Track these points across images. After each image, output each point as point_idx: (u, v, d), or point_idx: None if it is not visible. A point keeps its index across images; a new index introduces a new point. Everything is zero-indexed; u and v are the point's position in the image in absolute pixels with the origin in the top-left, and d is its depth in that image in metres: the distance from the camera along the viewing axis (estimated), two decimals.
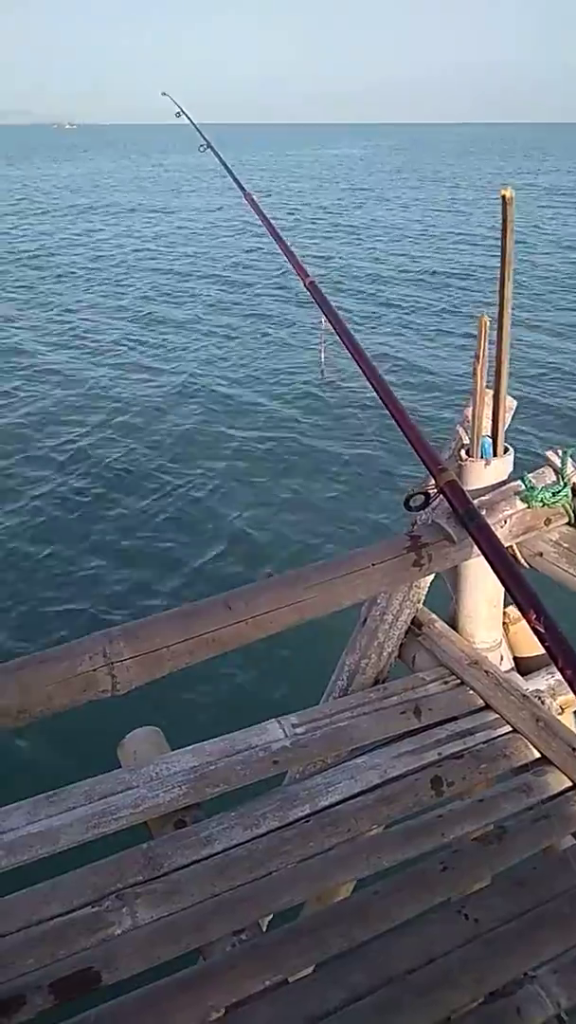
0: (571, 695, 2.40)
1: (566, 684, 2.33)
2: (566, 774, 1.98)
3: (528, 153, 76.23)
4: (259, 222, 3.44)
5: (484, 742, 2.09)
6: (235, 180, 3.94)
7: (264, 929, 1.73)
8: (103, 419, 9.86)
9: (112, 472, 8.41)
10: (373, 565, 1.90)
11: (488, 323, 1.92)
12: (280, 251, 3.18)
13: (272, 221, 3.41)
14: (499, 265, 1.81)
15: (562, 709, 2.39)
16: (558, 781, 1.98)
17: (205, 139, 4.39)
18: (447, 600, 2.53)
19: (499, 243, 1.80)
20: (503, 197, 1.72)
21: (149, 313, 15.36)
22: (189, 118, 4.86)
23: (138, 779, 1.93)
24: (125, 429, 9.54)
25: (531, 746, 2.07)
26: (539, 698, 2.29)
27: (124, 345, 13.23)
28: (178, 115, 4.92)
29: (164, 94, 5.13)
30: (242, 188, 3.83)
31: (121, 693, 1.62)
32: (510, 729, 2.13)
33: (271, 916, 1.85)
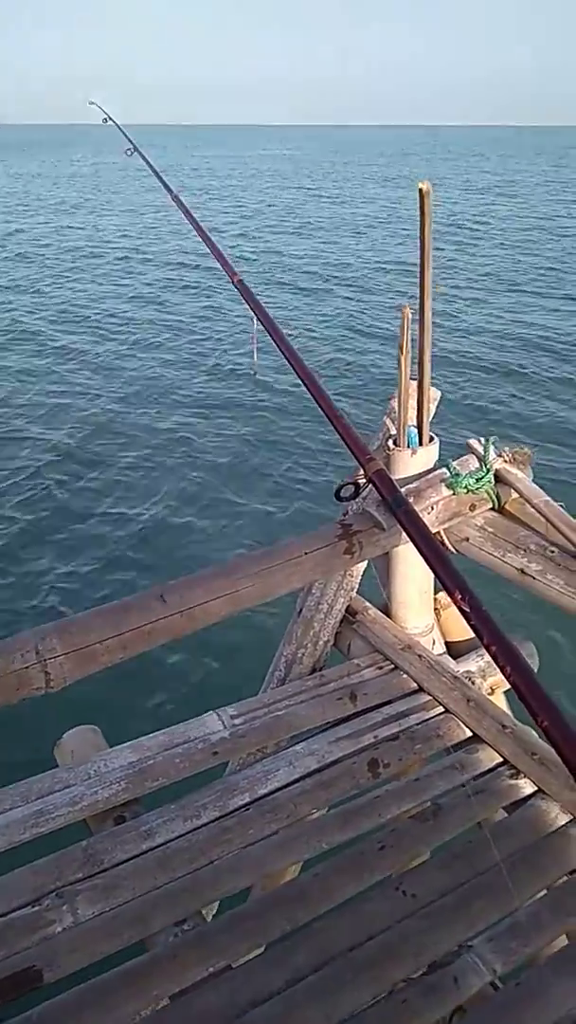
0: (500, 677, 2.48)
1: (494, 665, 2.42)
2: (496, 750, 2.05)
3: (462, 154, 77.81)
4: (187, 222, 3.45)
5: (418, 723, 2.15)
6: (162, 182, 3.93)
7: (209, 918, 1.74)
8: (22, 415, 9.72)
9: (38, 467, 8.29)
10: (306, 554, 1.93)
11: (410, 314, 1.97)
12: (208, 250, 3.19)
13: (200, 222, 3.42)
14: (419, 257, 1.86)
15: (492, 690, 2.47)
16: (489, 757, 2.05)
17: (132, 143, 4.37)
18: (379, 588, 2.58)
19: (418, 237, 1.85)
20: (420, 190, 1.77)
21: (71, 311, 15.12)
22: (117, 125, 4.85)
23: (76, 777, 1.92)
24: (47, 425, 9.41)
25: (463, 725, 2.14)
26: (470, 679, 2.36)
27: (45, 340, 13.02)
28: (105, 122, 4.92)
29: (92, 103, 5.12)
30: (169, 189, 3.83)
31: (56, 690, 1.61)
32: (443, 710, 2.19)
33: (217, 905, 1.86)
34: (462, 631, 2.68)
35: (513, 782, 1.98)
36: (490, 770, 2.02)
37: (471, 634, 2.75)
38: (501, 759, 2.04)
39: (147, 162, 4.14)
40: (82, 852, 1.75)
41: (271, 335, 2.44)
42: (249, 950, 1.59)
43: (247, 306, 2.67)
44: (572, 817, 1.87)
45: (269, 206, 32.54)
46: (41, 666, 1.56)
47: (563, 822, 1.87)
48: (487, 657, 2.50)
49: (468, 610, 1.45)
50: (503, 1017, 1.44)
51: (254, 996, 1.47)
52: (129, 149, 4.39)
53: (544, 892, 1.72)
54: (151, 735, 2.06)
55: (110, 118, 4.95)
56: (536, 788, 1.96)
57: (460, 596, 1.46)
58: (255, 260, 20.00)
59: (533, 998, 1.48)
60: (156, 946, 1.59)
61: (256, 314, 2.57)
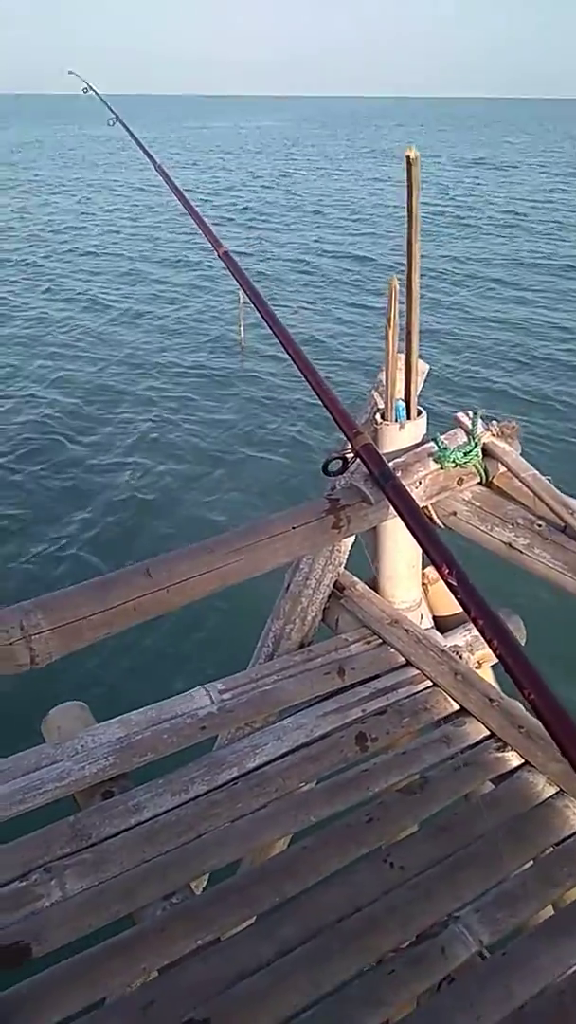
0: (487, 651, 2.49)
1: (483, 640, 2.43)
2: (484, 724, 2.06)
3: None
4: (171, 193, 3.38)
5: (406, 697, 2.15)
6: (145, 152, 3.85)
7: (198, 892, 1.74)
8: (14, 387, 9.63)
9: (26, 437, 8.23)
10: (293, 528, 1.92)
11: (398, 286, 1.94)
12: (193, 222, 3.13)
13: (184, 192, 3.36)
14: (406, 226, 1.83)
15: (479, 663, 2.48)
16: (476, 731, 2.05)
17: (114, 113, 4.30)
18: (367, 564, 2.57)
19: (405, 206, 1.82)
20: (407, 157, 1.73)
21: (58, 283, 14.94)
22: (97, 93, 4.77)
23: (63, 753, 1.91)
24: (38, 398, 9.33)
25: (450, 699, 2.14)
26: (457, 653, 2.36)
27: (32, 310, 12.88)
28: (86, 91, 4.84)
29: (71, 72, 5.02)
30: (152, 160, 3.75)
31: (41, 666, 1.60)
32: (430, 684, 2.19)
33: (206, 879, 1.87)
34: (449, 606, 2.68)
35: (500, 755, 1.99)
36: (477, 743, 2.03)
37: (458, 608, 2.75)
38: (488, 732, 2.05)
39: (129, 132, 4.07)
40: (69, 827, 1.75)
41: (257, 308, 2.40)
42: (237, 923, 1.60)
43: (233, 279, 2.63)
44: (558, 789, 1.89)
45: (256, 178, 32.15)
46: (26, 642, 1.54)
47: (549, 794, 1.88)
48: (474, 631, 2.50)
49: (455, 584, 1.44)
50: (490, 986, 1.46)
51: (242, 968, 1.47)
52: (111, 119, 4.32)
53: (531, 863, 1.73)
54: (139, 710, 2.05)
55: (90, 87, 4.87)
56: (523, 760, 1.97)
57: (447, 570, 1.45)
58: (240, 233, 19.79)
59: (519, 967, 1.50)
60: (144, 920, 1.59)
61: (242, 287, 2.53)
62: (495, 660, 2.52)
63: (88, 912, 1.57)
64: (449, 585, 1.46)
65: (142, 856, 1.69)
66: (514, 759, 1.98)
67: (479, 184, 30.16)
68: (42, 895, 1.59)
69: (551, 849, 1.76)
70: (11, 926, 1.53)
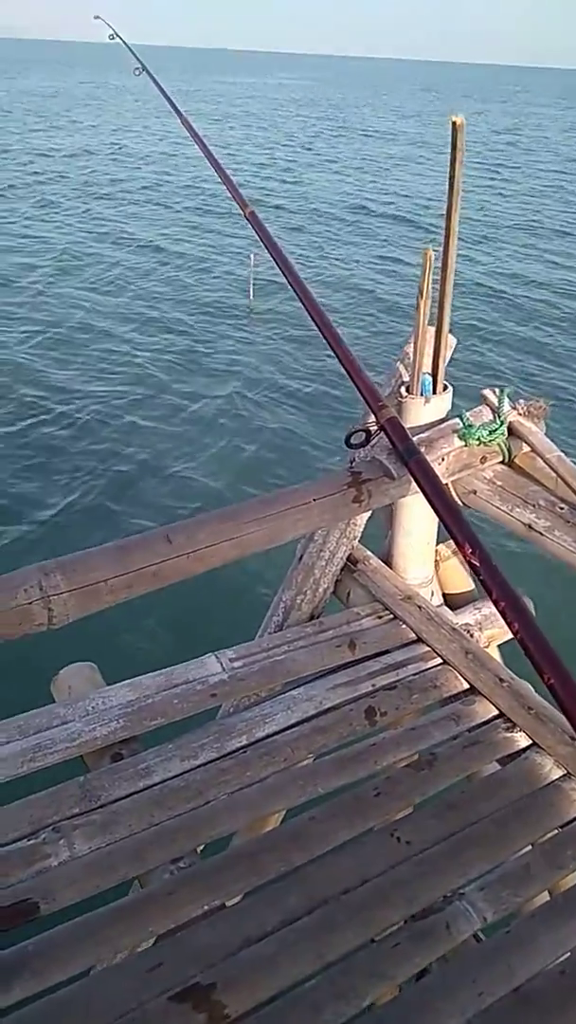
0: (498, 629, 2.48)
1: (493, 618, 2.41)
2: (493, 703, 2.06)
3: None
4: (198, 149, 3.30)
5: (415, 674, 2.15)
6: (172, 105, 3.74)
7: (201, 857, 1.75)
8: (27, 342, 9.53)
9: (39, 398, 8.16)
10: (314, 500, 1.90)
11: (432, 257, 1.89)
12: (220, 180, 3.05)
13: (211, 148, 3.27)
14: (447, 196, 1.78)
15: (488, 643, 2.47)
16: (485, 709, 2.05)
17: (141, 62, 4.17)
18: (380, 538, 2.55)
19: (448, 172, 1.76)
20: (453, 124, 1.67)
21: (75, 235, 14.75)
22: (123, 41, 4.61)
23: (73, 713, 1.91)
24: (47, 357, 9.24)
25: (460, 677, 2.14)
26: (468, 631, 2.36)
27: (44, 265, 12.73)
28: (112, 38, 4.69)
29: (97, 17, 4.88)
30: (179, 113, 3.65)
31: (57, 627, 1.59)
32: (440, 661, 2.19)
33: (207, 844, 1.88)
34: (460, 583, 2.67)
35: (508, 735, 1.99)
36: (485, 722, 2.03)
37: (469, 586, 2.74)
38: (497, 712, 2.05)
39: (156, 83, 3.95)
40: (79, 788, 1.75)
41: (284, 273, 2.35)
42: (243, 890, 1.61)
43: (259, 239, 2.57)
44: (565, 771, 1.89)
45: (289, 137, 31.46)
46: (44, 602, 1.53)
47: (556, 776, 1.89)
48: (485, 610, 2.50)
49: (478, 564, 1.42)
50: (492, 963, 1.47)
51: (248, 935, 1.48)
52: (138, 68, 4.19)
53: (535, 844, 1.74)
54: (150, 674, 2.05)
55: (117, 34, 4.71)
56: (531, 742, 1.97)
57: (470, 550, 1.43)
58: (268, 193, 19.45)
59: (521, 946, 1.51)
60: (151, 883, 1.60)
61: (269, 249, 2.47)
62: (504, 639, 2.53)
63: (96, 873, 1.58)
64: (472, 566, 1.44)
65: (150, 820, 1.69)
66: (522, 740, 1.98)
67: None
68: (50, 854, 1.60)
69: (556, 831, 1.77)
70: (19, 884, 1.54)
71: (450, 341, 2.14)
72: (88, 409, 8.02)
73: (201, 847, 1.73)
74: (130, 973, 1.42)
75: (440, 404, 2.15)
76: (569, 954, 1.51)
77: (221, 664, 2.08)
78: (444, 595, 2.66)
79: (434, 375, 2.11)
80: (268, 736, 1.93)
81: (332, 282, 12.61)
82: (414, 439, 1.97)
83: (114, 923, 1.49)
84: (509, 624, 1.34)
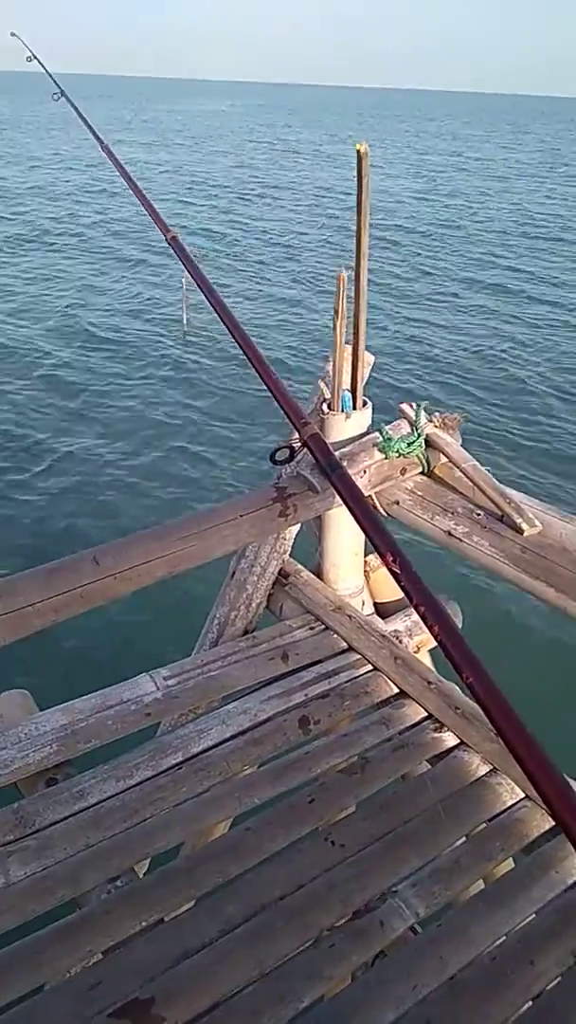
0: (427, 635, 2.56)
1: (421, 624, 2.48)
2: (422, 705, 2.12)
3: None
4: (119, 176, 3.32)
5: (347, 681, 2.20)
6: (92, 131, 3.75)
7: (141, 875, 1.76)
8: None
9: None
10: (241, 516, 1.94)
11: (346, 279, 1.97)
12: (140, 205, 3.08)
13: (131, 173, 3.30)
14: (356, 220, 1.86)
15: (418, 648, 2.55)
16: (415, 712, 2.12)
17: (59, 87, 4.14)
18: (311, 552, 2.61)
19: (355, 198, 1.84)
20: (358, 151, 1.76)
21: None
22: (41, 63, 4.54)
23: (5, 741, 1.90)
24: None
25: (390, 682, 2.20)
26: (397, 638, 2.43)
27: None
28: (29, 60, 4.59)
29: (13, 34, 4.76)
30: (100, 140, 3.66)
31: None
32: (371, 668, 2.25)
33: (149, 862, 1.89)
34: (390, 592, 2.74)
35: (437, 735, 2.06)
36: (415, 724, 2.10)
37: (399, 595, 2.82)
38: (426, 714, 2.12)
39: (76, 110, 3.95)
40: (13, 814, 1.74)
41: (206, 296, 2.40)
42: (181, 904, 1.63)
43: (181, 265, 2.62)
44: (492, 767, 1.96)
45: (211, 166, 31.71)
46: None
47: (483, 772, 1.96)
48: (414, 617, 2.57)
49: (399, 571, 1.48)
50: (426, 956, 1.52)
51: (186, 947, 1.50)
52: (56, 94, 4.18)
53: (465, 839, 1.80)
54: (83, 697, 2.05)
55: (34, 56, 4.62)
56: (459, 740, 2.04)
57: (391, 558, 1.49)
58: (192, 218, 19.55)
59: (453, 937, 1.57)
60: (89, 903, 1.60)
61: (190, 272, 2.52)
62: (433, 645, 2.60)
63: (32, 897, 1.58)
64: (393, 573, 1.50)
65: (86, 841, 1.70)
66: (450, 739, 2.05)
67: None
68: None
69: (484, 825, 1.83)
70: None
71: (368, 359, 2.22)
72: (11, 433, 7.91)
73: (143, 864, 1.74)
74: (71, 993, 1.42)
75: (360, 419, 2.23)
76: (500, 940, 1.57)
77: (155, 683, 2.10)
78: (376, 604, 2.73)
79: (353, 391, 2.18)
80: (204, 751, 1.96)
81: (256, 302, 12.75)
82: (336, 454, 2.04)
83: (52, 945, 1.49)
84: (430, 627, 1.40)
